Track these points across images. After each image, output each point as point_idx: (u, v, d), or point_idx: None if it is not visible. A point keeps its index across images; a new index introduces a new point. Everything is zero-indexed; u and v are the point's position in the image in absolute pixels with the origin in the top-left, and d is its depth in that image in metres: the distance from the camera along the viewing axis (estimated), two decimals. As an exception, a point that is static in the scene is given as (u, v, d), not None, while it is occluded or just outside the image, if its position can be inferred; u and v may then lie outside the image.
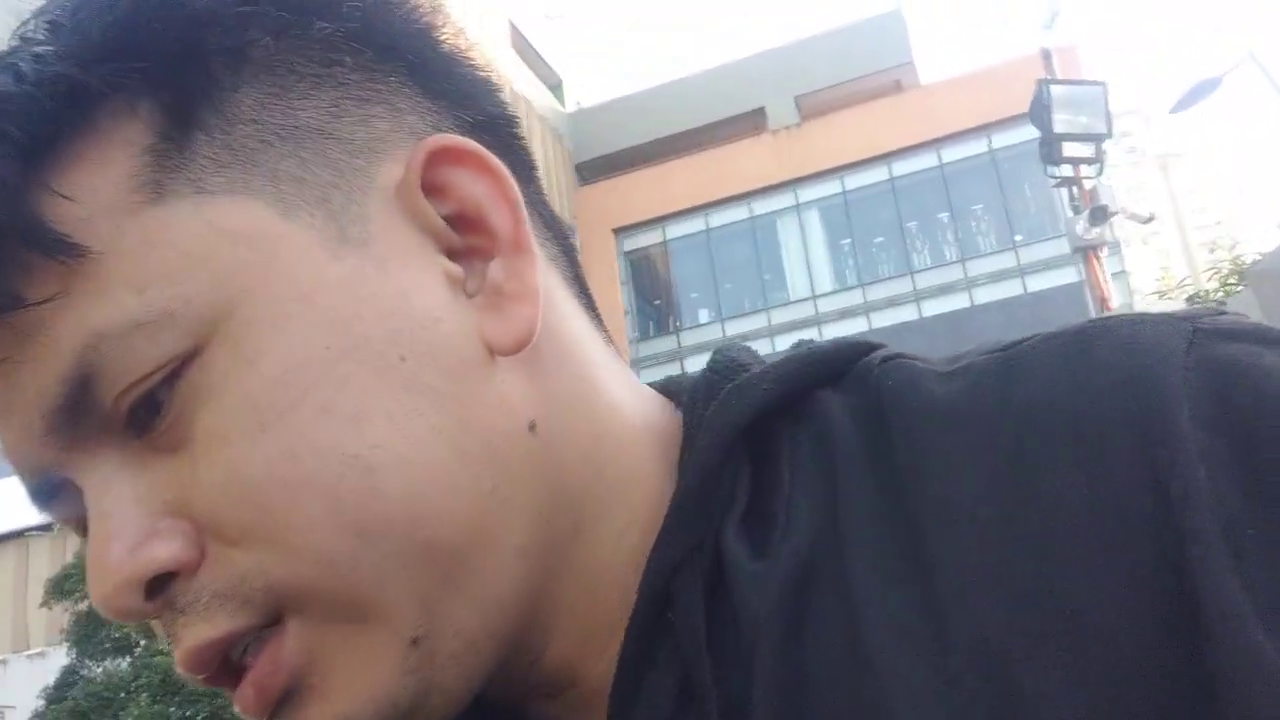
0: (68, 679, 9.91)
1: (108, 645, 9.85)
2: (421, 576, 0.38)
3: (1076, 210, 7.88)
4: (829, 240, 20.66)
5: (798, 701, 0.37)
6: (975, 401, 0.38)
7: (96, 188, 0.38)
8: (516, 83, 20.12)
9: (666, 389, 0.49)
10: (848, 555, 0.38)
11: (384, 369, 0.39)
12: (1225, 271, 15.36)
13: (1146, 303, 18.18)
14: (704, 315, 21.16)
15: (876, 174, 20.23)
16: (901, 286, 19.94)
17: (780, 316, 20.15)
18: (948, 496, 0.37)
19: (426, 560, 0.38)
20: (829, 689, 0.36)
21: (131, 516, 0.38)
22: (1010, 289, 19.02)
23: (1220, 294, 14.16)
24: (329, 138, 0.41)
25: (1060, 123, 7.33)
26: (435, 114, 0.44)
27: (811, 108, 21.33)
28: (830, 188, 20.52)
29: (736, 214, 20.97)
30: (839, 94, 21.08)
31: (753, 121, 21.58)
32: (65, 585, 10.05)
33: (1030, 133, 9.58)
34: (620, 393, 0.46)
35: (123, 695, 9.38)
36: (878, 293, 20.01)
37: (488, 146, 0.43)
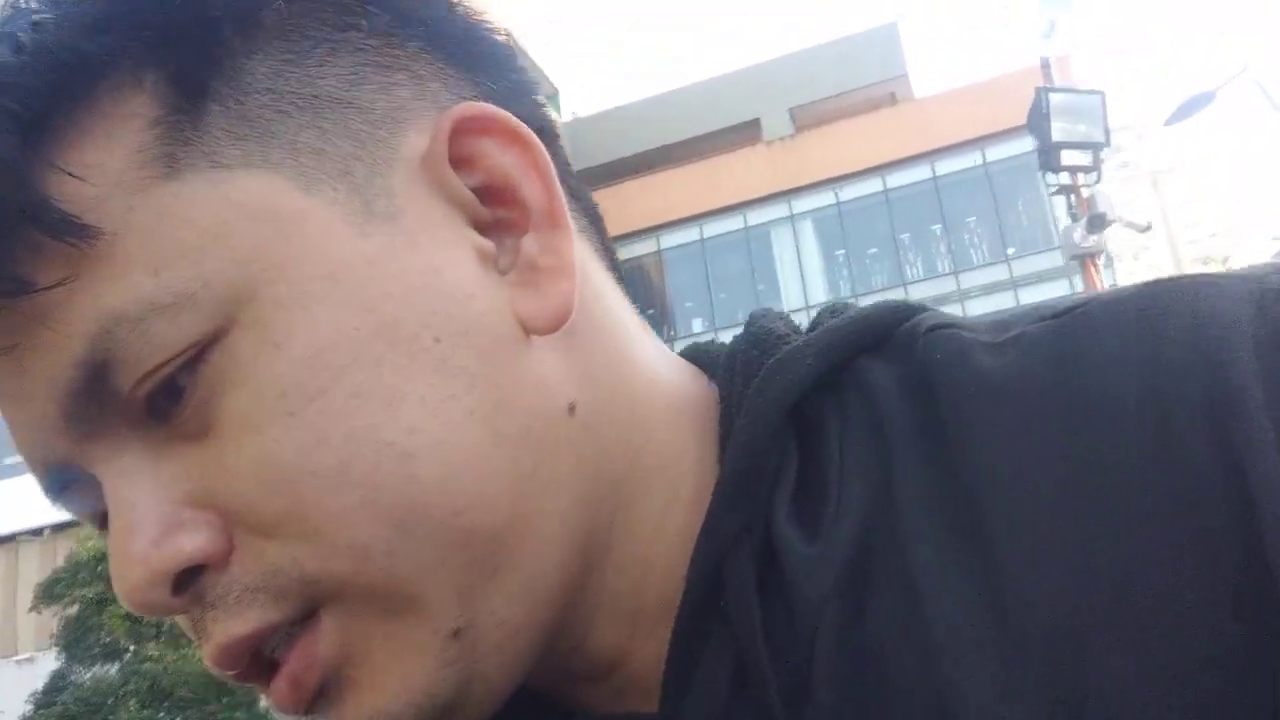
0: (57, 684, 9.83)
1: (97, 651, 9.77)
2: (460, 565, 0.37)
3: (1074, 218, 7.90)
4: (823, 251, 20.66)
5: (862, 686, 0.36)
6: (1030, 374, 0.37)
7: (103, 164, 0.35)
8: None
9: (696, 358, 0.48)
10: (904, 534, 0.37)
11: (416, 350, 0.37)
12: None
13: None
14: (698, 325, 21.12)
15: (871, 186, 20.25)
16: (895, 297, 19.91)
17: (774, 327, 20.09)
18: (1004, 471, 0.36)
19: (465, 548, 0.37)
20: (894, 672, 0.35)
21: (154, 507, 0.36)
22: (1003, 301, 19.05)
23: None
24: (349, 106, 0.39)
25: (1059, 130, 7.35)
26: (459, 82, 0.42)
27: (806, 119, 21.36)
28: (824, 199, 20.53)
29: (731, 224, 20.95)
30: (834, 106, 21.12)
31: (748, 133, 21.59)
32: (54, 590, 9.97)
33: (1023, 146, 9.63)
34: (657, 367, 0.45)
35: (111, 701, 9.30)
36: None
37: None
